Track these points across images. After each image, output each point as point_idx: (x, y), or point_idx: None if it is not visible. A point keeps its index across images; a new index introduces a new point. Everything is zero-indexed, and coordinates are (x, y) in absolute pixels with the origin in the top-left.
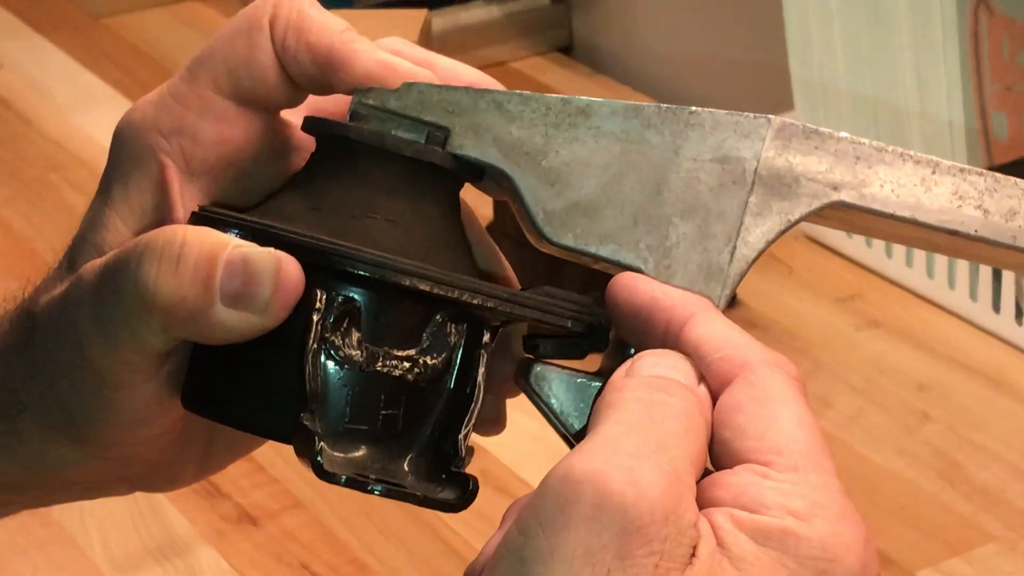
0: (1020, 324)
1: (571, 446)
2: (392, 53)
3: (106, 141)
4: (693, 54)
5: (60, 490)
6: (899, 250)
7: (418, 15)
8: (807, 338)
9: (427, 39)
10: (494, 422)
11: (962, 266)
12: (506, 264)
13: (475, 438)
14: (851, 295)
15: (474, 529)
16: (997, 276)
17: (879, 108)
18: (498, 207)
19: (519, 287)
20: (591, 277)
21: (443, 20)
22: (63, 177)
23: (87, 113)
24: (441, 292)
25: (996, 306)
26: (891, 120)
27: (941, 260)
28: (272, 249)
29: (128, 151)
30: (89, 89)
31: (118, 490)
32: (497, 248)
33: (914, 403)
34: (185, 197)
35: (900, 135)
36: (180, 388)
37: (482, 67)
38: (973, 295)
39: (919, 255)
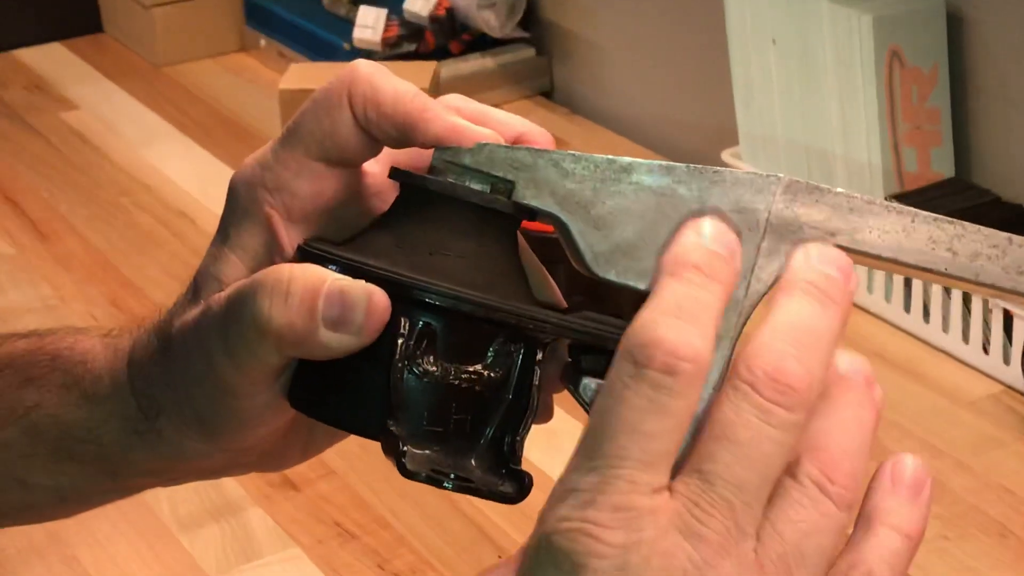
0: (927, 322)
1: None
2: (454, 108)
3: (166, 170)
4: (655, 100)
5: (189, 473)
6: None
7: (429, 66)
8: (744, 332)
9: (436, 86)
10: (543, 413)
11: (878, 274)
12: (556, 289)
13: None
14: None
15: None
16: (907, 282)
17: (809, 144)
18: None
19: (565, 304)
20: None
21: (447, 70)
22: (131, 200)
23: (150, 147)
24: (501, 318)
25: (907, 307)
26: (819, 154)
27: (861, 270)
28: (363, 282)
29: (241, 203)
30: (152, 126)
31: (236, 472)
32: (548, 276)
33: None
34: (290, 238)
35: (826, 167)
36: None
37: None
38: (888, 297)
39: None
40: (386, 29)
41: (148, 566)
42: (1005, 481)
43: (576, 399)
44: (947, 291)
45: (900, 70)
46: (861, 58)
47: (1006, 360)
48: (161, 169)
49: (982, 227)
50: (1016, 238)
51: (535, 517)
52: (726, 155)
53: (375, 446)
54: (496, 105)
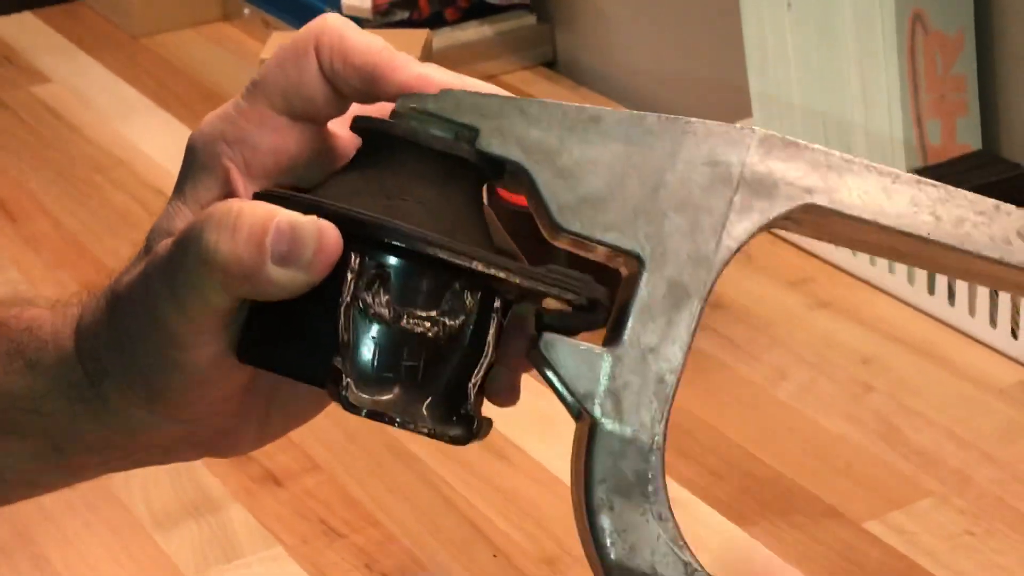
0: (952, 304)
1: (576, 417)
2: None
3: (144, 146)
4: (663, 68)
5: (138, 452)
6: None
7: (420, 34)
8: (764, 317)
9: (428, 56)
10: (508, 392)
11: None
12: (519, 254)
13: (490, 409)
14: (803, 279)
15: (474, 489)
16: None
17: (828, 116)
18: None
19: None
20: (575, 262)
21: (442, 39)
22: (106, 178)
23: (127, 121)
24: (459, 261)
25: (931, 288)
26: (838, 126)
27: None
28: (314, 216)
29: (199, 157)
30: (128, 100)
31: (187, 455)
32: (513, 244)
33: (859, 374)
34: (247, 193)
35: (846, 140)
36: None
37: None
38: (911, 279)
39: None
40: None
41: (121, 566)
42: None
43: (536, 365)
44: None
45: (923, 35)
46: (882, 22)
47: None
48: (138, 145)
49: (968, 192)
50: (1004, 205)
51: (534, 514)
52: (739, 126)
53: (364, 439)
54: (495, 77)
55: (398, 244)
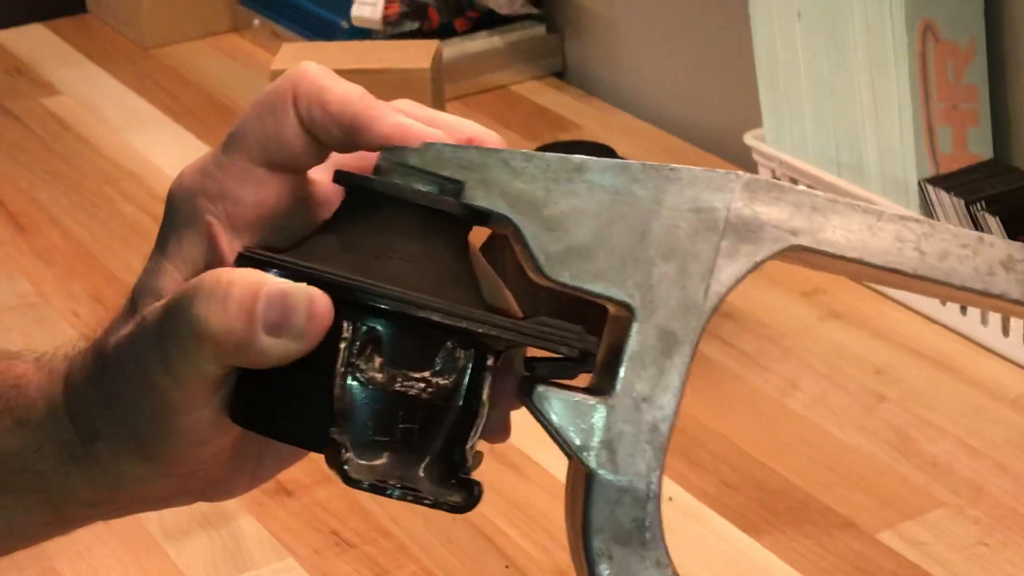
0: (964, 314)
1: (569, 458)
2: (402, 112)
3: (154, 157)
4: (671, 77)
5: (132, 504)
6: None
7: (430, 45)
8: (777, 328)
9: (438, 66)
10: (500, 431)
11: None
12: (509, 296)
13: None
14: (814, 290)
15: (485, 500)
16: None
17: (838, 125)
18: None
19: (520, 314)
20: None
21: (452, 49)
22: (117, 189)
23: (137, 133)
24: (450, 322)
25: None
26: (848, 135)
27: None
28: (305, 284)
29: (180, 212)
30: (139, 112)
31: (182, 502)
32: (501, 282)
33: (871, 385)
34: (231, 248)
35: (857, 149)
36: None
37: (485, 91)
38: None
39: None
40: (387, 6)
41: None
42: None
43: (530, 411)
44: None
45: (934, 44)
46: (893, 32)
47: None
48: (148, 156)
49: (951, 226)
50: (987, 237)
51: (546, 526)
52: (748, 138)
53: None
54: (505, 87)
55: (388, 309)
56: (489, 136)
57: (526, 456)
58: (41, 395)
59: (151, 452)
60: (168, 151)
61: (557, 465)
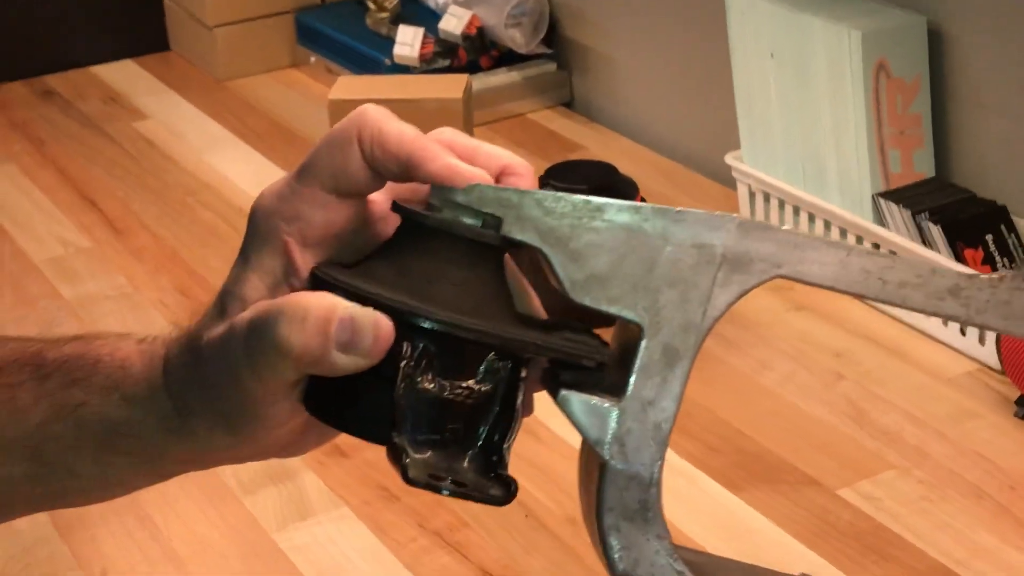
0: None
1: (592, 448)
2: (447, 141)
3: (227, 172)
4: (665, 108)
5: (218, 461)
6: None
7: (461, 79)
8: (751, 317)
9: (469, 97)
10: (525, 410)
11: None
12: (537, 301)
13: None
14: (783, 286)
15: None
16: None
17: (804, 147)
18: None
19: (544, 315)
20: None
21: (477, 83)
22: (197, 200)
23: (213, 152)
24: (491, 341)
25: None
26: (813, 156)
27: None
28: (371, 310)
29: (260, 231)
30: (213, 134)
31: (259, 459)
32: (531, 289)
33: (832, 366)
34: (304, 261)
35: (820, 167)
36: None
37: (504, 119)
38: None
39: None
40: (423, 46)
41: (213, 524)
42: (980, 448)
43: (556, 404)
44: None
45: (886, 80)
46: (851, 70)
47: (981, 341)
48: (222, 172)
49: (911, 259)
50: (939, 268)
51: (560, 482)
52: (729, 158)
53: None
54: (522, 115)
55: (441, 331)
56: (519, 164)
57: (543, 424)
58: (144, 375)
59: (238, 430)
60: (238, 168)
61: (570, 434)
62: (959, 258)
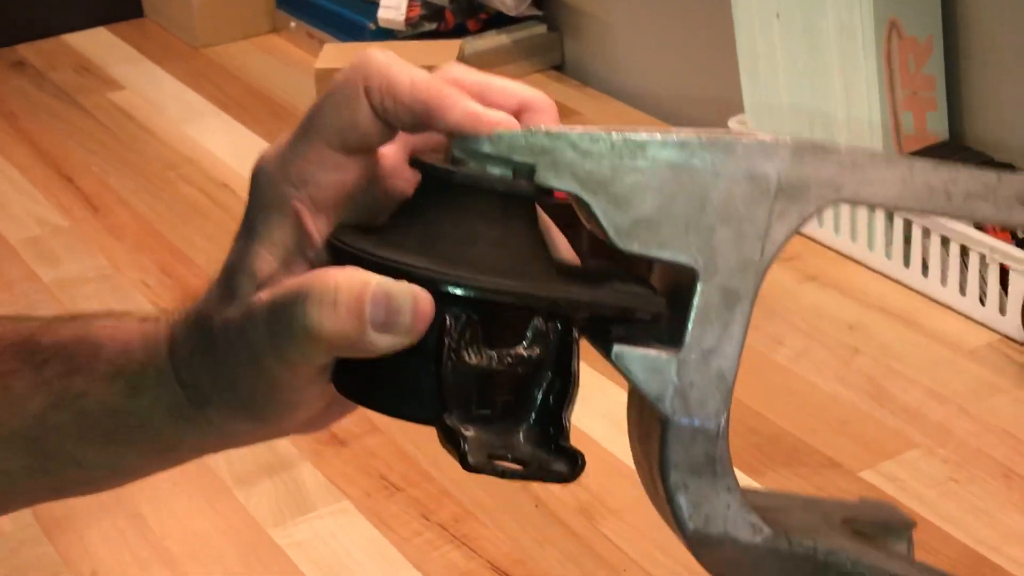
0: (925, 276)
1: (652, 407)
2: (455, 79)
3: (209, 145)
4: (662, 72)
5: (236, 445)
6: (828, 220)
7: (455, 44)
8: (760, 291)
9: (461, 60)
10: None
11: (879, 231)
12: (571, 249)
13: None
14: (792, 256)
15: None
16: (907, 238)
17: (813, 114)
18: None
19: (579, 264)
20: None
21: (468, 46)
22: (176, 173)
23: (192, 123)
24: (538, 303)
25: (907, 262)
26: (822, 121)
27: (862, 227)
28: (406, 283)
29: (265, 198)
30: (193, 104)
31: (279, 436)
32: (564, 238)
33: (846, 340)
34: (318, 228)
35: (830, 134)
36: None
37: None
38: (888, 254)
39: (845, 224)
40: (409, 9)
41: (207, 520)
42: (1006, 425)
43: (609, 360)
44: (944, 245)
45: (898, 41)
46: (862, 30)
47: (1002, 311)
48: (203, 144)
49: (974, 169)
50: (1005, 175)
51: None
52: (732, 123)
53: None
54: (511, 78)
55: (483, 298)
56: (540, 99)
57: None
58: (149, 359)
59: (260, 416)
60: (220, 140)
61: (580, 418)
62: (977, 225)
